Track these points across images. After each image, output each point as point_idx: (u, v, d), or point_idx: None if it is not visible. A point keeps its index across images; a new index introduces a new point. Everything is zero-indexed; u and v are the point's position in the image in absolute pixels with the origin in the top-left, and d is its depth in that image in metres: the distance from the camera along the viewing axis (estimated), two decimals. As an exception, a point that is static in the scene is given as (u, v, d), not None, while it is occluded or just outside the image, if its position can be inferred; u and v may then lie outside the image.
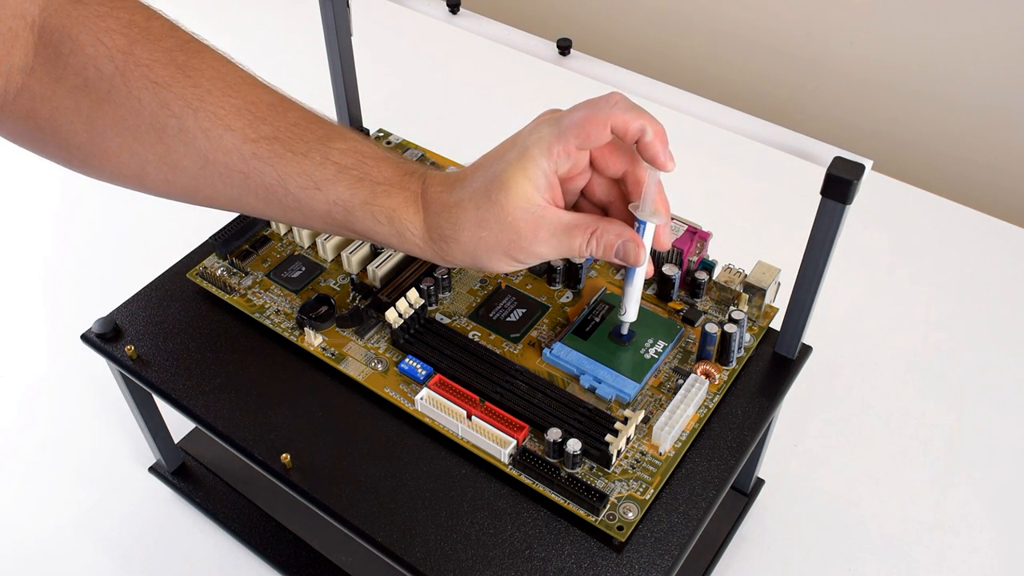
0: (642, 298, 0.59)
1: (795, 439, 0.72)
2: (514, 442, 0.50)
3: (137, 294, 0.61)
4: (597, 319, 0.57)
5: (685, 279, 0.59)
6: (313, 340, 0.56)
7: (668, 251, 0.58)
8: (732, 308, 0.57)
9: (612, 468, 0.50)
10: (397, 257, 0.60)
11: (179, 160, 0.46)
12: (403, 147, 0.71)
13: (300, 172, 0.46)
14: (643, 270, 0.50)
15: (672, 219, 0.59)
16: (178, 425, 0.69)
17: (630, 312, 0.53)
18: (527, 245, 0.45)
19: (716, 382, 0.54)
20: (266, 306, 0.59)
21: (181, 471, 0.69)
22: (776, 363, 0.56)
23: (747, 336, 0.56)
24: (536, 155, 0.45)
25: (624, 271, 0.51)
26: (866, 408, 0.75)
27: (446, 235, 0.46)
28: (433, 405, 0.52)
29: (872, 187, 0.95)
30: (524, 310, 0.58)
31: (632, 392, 0.53)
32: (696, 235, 0.58)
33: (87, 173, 0.49)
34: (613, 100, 0.45)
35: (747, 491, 0.67)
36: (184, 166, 0.46)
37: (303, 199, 0.47)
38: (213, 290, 0.60)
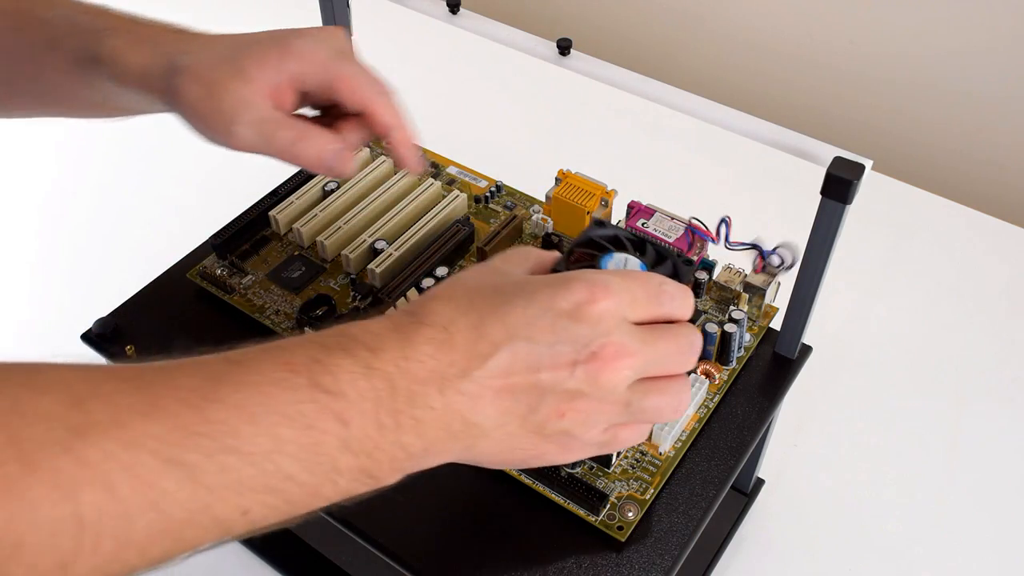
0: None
1: (795, 439, 0.72)
2: (514, 442, 0.50)
3: (137, 294, 0.61)
4: (597, 319, 0.56)
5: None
6: (313, 340, 0.56)
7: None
8: (732, 308, 0.57)
9: (612, 468, 0.49)
10: (397, 256, 0.60)
11: None
12: (403, 147, 0.70)
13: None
14: None
15: (672, 219, 0.59)
16: (178, 425, 0.69)
17: None
18: (227, 121, 0.46)
19: (716, 382, 0.54)
20: (266, 306, 0.58)
21: (181, 471, 0.68)
22: (776, 363, 0.56)
23: (747, 336, 0.56)
24: (289, 51, 0.50)
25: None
26: (866, 408, 0.75)
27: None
28: (433, 405, 0.52)
29: (872, 187, 0.95)
30: (524, 310, 0.58)
31: (632, 392, 0.53)
32: (696, 235, 0.58)
33: None
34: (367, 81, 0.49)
35: (747, 491, 0.67)
36: None
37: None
38: (213, 290, 0.60)
